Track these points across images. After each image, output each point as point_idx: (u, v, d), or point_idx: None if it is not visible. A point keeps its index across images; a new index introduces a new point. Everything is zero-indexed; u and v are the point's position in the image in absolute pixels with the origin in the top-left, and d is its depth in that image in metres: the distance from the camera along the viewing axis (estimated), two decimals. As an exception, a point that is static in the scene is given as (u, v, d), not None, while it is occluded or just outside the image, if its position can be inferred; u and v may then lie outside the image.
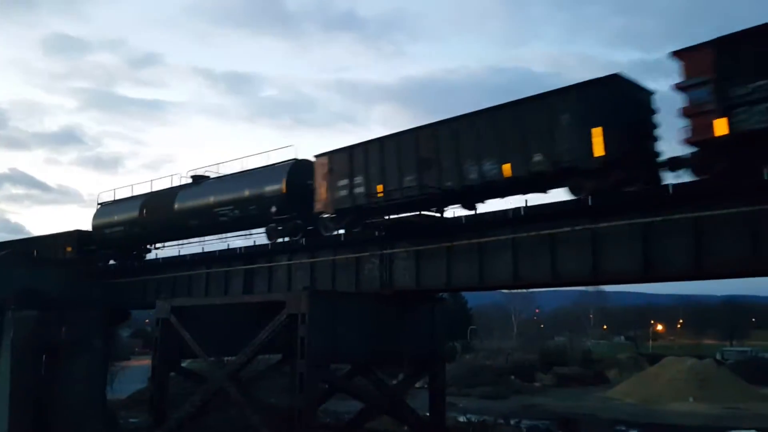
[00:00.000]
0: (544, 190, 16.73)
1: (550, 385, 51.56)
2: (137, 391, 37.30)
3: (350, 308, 18.69)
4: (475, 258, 17.50)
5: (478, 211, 18.06)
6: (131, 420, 31.27)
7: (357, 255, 20.15)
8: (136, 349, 71.66)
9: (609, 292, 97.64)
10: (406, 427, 23.33)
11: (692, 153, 13.70)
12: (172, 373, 23.42)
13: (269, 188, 22.53)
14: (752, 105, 12.40)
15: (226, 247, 25.21)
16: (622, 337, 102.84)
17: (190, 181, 27.44)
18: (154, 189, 28.92)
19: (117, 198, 30.70)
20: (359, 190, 19.19)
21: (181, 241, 27.67)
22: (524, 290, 73.27)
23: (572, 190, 15.48)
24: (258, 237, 23.90)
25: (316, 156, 20.91)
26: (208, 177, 26.82)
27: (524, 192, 16.91)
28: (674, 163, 14.34)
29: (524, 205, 16.61)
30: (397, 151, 18.50)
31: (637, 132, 14.98)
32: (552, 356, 59.22)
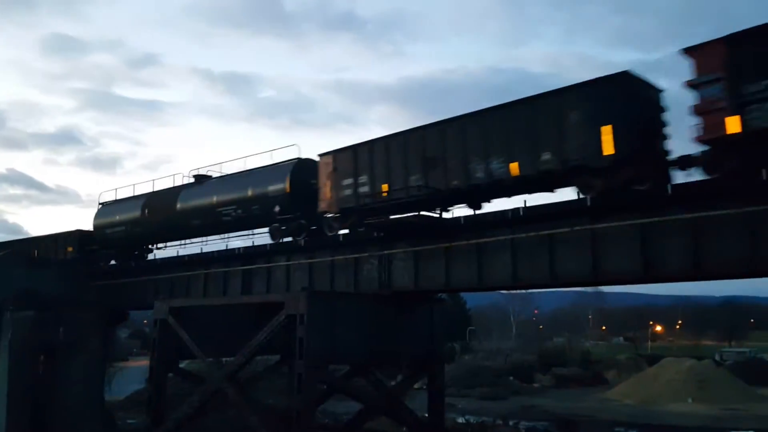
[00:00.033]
0: (551, 189, 16.56)
1: (548, 386, 51.54)
2: (135, 391, 37.21)
3: (349, 309, 18.66)
4: (474, 259, 17.47)
5: (483, 211, 17.97)
6: (129, 421, 31.17)
7: (356, 255, 20.11)
8: (134, 350, 71.60)
9: (608, 292, 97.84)
10: (404, 428, 23.27)
11: (702, 151, 13.56)
12: (170, 374, 23.37)
13: (272, 188, 22.39)
14: (765, 102, 12.25)
15: (224, 248, 25.20)
16: (621, 338, 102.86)
17: (192, 180, 27.31)
18: (156, 189, 28.82)
19: (118, 198, 30.59)
20: (364, 189, 19.07)
21: (182, 241, 27.55)
22: (523, 291, 73.29)
23: (581, 189, 15.32)
24: (261, 237, 23.81)
25: (320, 155, 20.78)
26: (210, 176, 26.68)
27: (532, 191, 16.77)
28: (684, 162, 14.20)
29: (523, 205, 16.62)
30: (402, 149, 18.36)
31: (647, 130, 14.83)
32: (551, 357, 59.23)
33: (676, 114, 15.08)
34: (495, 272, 17.24)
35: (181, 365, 25.17)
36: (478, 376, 49.80)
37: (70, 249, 31.06)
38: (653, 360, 54.95)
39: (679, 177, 14.52)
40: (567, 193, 16.50)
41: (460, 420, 33.50)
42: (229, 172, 25.77)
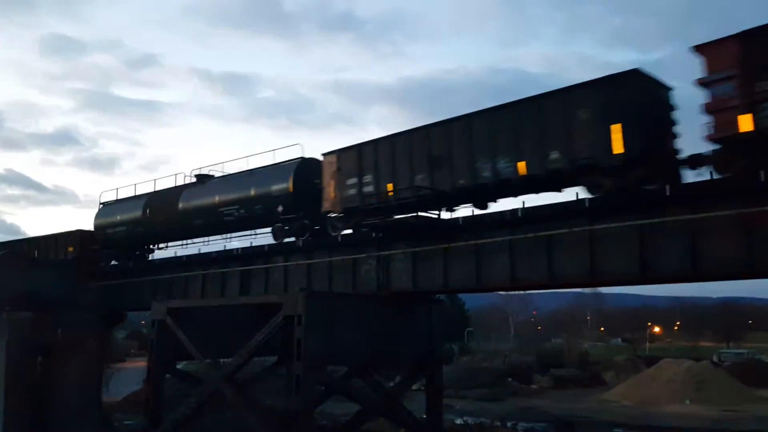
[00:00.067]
0: (559, 189, 16.35)
1: (547, 387, 51.53)
2: (132, 392, 37.12)
3: (347, 310, 18.62)
4: (473, 259, 17.45)
5: (489, 211, 17.84)
6: (126, 422, 31.11)
7: (354, 256, 20.09)
8: (132, 351, 71.45)
9: (606, 293, 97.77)
10: (402, 430, 23.26)
11: (713, 150, 13.43)
12: (168, 375, 23.30)
13: (276, 187, 22.28)
14: None
15: (222, 249, 25.16)
16: (619, 339, 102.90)
17: (194, 180, 27.15)
18: (158, 188, 28.68)
19: (119, 197, 30.45)
20: (369, 188, 18.94)
21: (184, 242, 27.42)
22: (521, 292, 73.28)
23: (589, 189, 15.16)
24: (264, 237, 23.71)
25: (324, 154, 20.64)
26: (212, 176, 26.53)
27: (539, 191, 16.63)
28: (695, 161, 14.05)
29: (521, 206, 16.61)
30: (408, 148, 18.21)
31: (657, 128, 14.67)
32: (549, 358, 59.18)
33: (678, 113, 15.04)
34: (493, 273, 17.22)
35: (179, 366, 25.12)
36: (477, 377, 49.78)
37: (70, 249, 30.91)
38: (651, 361, 54.95)
39: (690, 176, 14.39)
40: (569, 194, 16.47)
41: (459, 421, 33.48)
42: (232, 172, 25.62)
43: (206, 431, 23.29)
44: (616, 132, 14.24)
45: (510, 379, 51.78)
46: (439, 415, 21.79)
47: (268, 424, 18.87)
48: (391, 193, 18.25)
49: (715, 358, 61.07)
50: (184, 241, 27.41)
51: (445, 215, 18.54)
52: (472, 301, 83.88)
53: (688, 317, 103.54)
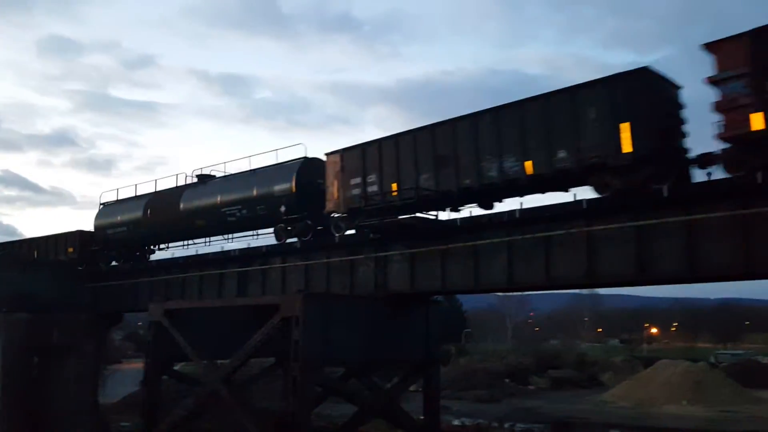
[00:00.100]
0: (566, 189, 16.09)
1: (544, 388, 51.49)
2: (129, 394, 37.01)
3: (344, 311, 18.59)
4: (470, 260, 17.42)
5: (487, 212, 17.71)
6: (123, 424, 31.00)
7: (352, 257, 20.04)
8: (129, 353, 71.20)
9: (603, 294, 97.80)
10: (400, 431, 23.21)
11: (723, 149, 13.27)
12: (165, 377, 23.24)
13: (278, 187, 22.06)
14: None
15: (220, 250, 25.09)
16: (617, 340, 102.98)
17: (195, 180, 26.90)
18: (158, 189, 28.41)
19: (120, 198, 30.20)
20: (373, 188, 18.74)
21: (185, 242, 27.15)
22: (519, 293, 73.36)
23: (597, 188, 15.00)
24: (266, 238, 23.46)
25: (328, 154, 20.46)
26: (213, 176, 26.31)
27: (546, 190, 16.45)
28: (705, 160, 13.90)
29: (519, 207, 16.57)
30: (412, 148, 18.01)
31: (666, 127, 14.49)
32: (546, 359, 59.17)
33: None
34: (491, 274, 17.18)
35: (176, 368, 25.02)
36: (474, 379, 49.74)
37: (70, 250, 30.76)
38: (649, 362, 54.96)
39: (699, 176, 14.24)
40: (567, 195, 16.41)
41: (456, 422, 33.45)
42: (233, 172, 25.35)
43: (203, 433, 23.27)
44: (625, 131, 14.07)
45: (507, 380, 51.75)
46: (437, 416, 21.77)
47: (264, 425, 18.81)
48: (395, 193, 18.08)
49: (712, 359, 61.10)
50: (185, 242, 27.15)
51: (443, 216, 18.55)
52: (469, 302, 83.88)
53: (685, 318, 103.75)
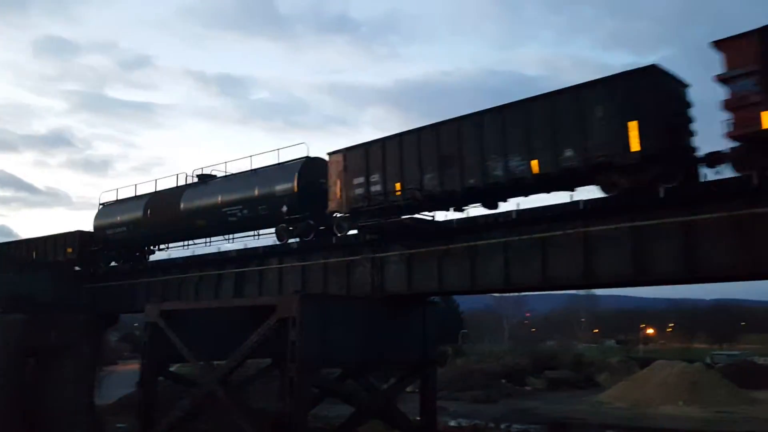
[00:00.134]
0: (572, 188, 16.00)
1: (541, 388, 51.51)
2: (125, 395, 36.92)
3: (341, 312, 18.57)
4: (467, 261, 17.42)
5: (493, 211, 17.62)
6: (119, 425, 30.91)
7: (349, 258, 20.02)
8: (125, 354, 71.00)
9: (600, 295, 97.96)
10: (397, 432, 23.18)
11: (732, 148, 13.19)
12: (161, 378, 23.17)
13: (280, 187, 21.95)
14: None
15: (217, 251, 25.05)
16: (613, 341, 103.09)
17: (195, 180, 26.73)
18: (159, 188, 28.27)
19: (120, 198, 30.05)
20: (376, 188, 18.64)
21: (185, 242, 26.99)
22: (516, 294, 73.45)
23: (604, 188, 14.90)
24: (267, 238, 23.31)
25: (330, 153, 20.36)
26: (214, 176, 26.14)
27: (552, 190, 16.35)
28: (713, 159, 13.81)
29: (516, 208, 16.58)
30: (416, 147, 17.90)
31: (674, 126, 14.38)
32: (543, 360, 59.22)
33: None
34: (488, 275, 17.19)
35: (172, 369, 24.96)
36: (471, 379, 49.73)
37: (69, 250, 30.60)
38: (645, 363, 55.02)
39: (708, 174, 14.12)
40: (564, 195, 16.42)
41: (453, 423, 33.44)
42: (234, 172, 25.19)
43: (200, 434, 23.21)
44: (633, 129, 13.97)
45: (504, 381, 51.76)
46: (434, 416, 21.74)
47: (261, 426, 18.78)
48: (399, 193, 17.96)
49: (708, 360, 61.20)
50: (186, 242, 26.99)
51: (446, 216, 18.54)
52: (466, 303, 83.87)
53: (681, 319, 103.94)
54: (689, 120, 14.78)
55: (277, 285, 22.06)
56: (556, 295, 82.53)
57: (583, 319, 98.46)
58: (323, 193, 20.19)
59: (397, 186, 18.04)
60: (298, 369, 17.13)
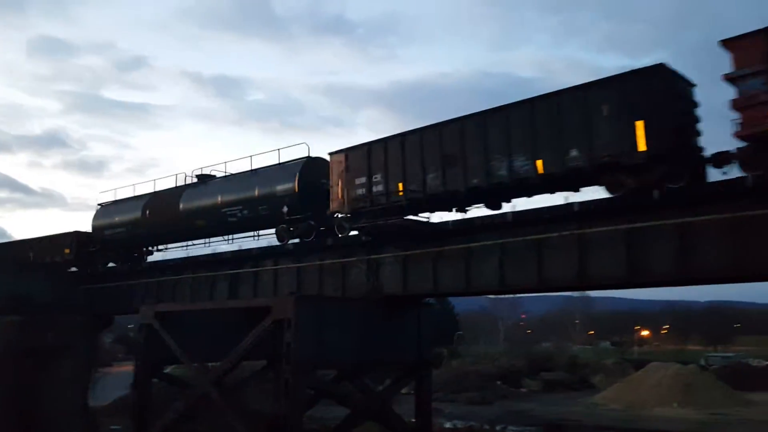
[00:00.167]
0: (577, 189, 15.90)
1: (536, 390, 51.60)
2: (119, 397, 36.81)
3: (336, 313, 18.55)
4: (462, 263, 17.43)
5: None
6: (113, 427, 30.80)
7: (344, 260, 20.01)
8: (119, 355, 70.76)
9: (594, 297, 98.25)
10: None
11: (739, 148, 13.10)
12: (156, 380, 23.10)
13: (281, 187, 21.75)
14: None
15: (211, 252, 25.02)
16: (608, 343, 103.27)
17: (195, 180, 26.52)
18: (157, 189, 28.08)
19: (118, 198, 29.85)
20: (378, 188, 18.49)
21: (184, 243, 26.81)
22: (511, 295, 73.53)
23: (610, 188, 14.77)
24: (267, 238, 23.19)
25: (332, 153, 20.22)
26: (214, 176, 25.95)
27: (556, 190, 16.22)
28: (720, 159, 13.71)
29: (511, 210, 16.60)
30: (419, 147, 17.74)
31: (681, 126, 14.22)
32: (538, 362, 59.31)
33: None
34: (483, 277, 17.20)
35: (167, 370, 24.88)
36: (466, 381, 49.78)
37: (67, 251, 30.39)
38: (639, 364, 55.18)
39: (715, 175, 14.04)
40: (560, 197, 16.44)
41: (448, 425, 33.46)
42: (234, 172, 24.99)
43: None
44: (640, 129, 13.85)
45: (499, 383, 51.80)
46: (429, 418, 21.73)
47: (256, 428, 18.74)
48: (401, 193, 17.85)
49: (702, 362, 61.37)
50: (185, 243, 26.79)
51: (441, 218, 18.54)
52: (461, 304, 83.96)
53: (675, 321, 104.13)
54: (696, 120, 14.67)
55: (272, 286, 22.04)
56: (551, 297, 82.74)
57: (577, 321, 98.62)
58: (324, 194, 20.03)
59: (400, 186, 17.89)
60: (293, 370, 17.09)
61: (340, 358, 18.90)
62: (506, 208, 17.21)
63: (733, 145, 13.37)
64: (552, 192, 16.28)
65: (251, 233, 24.00)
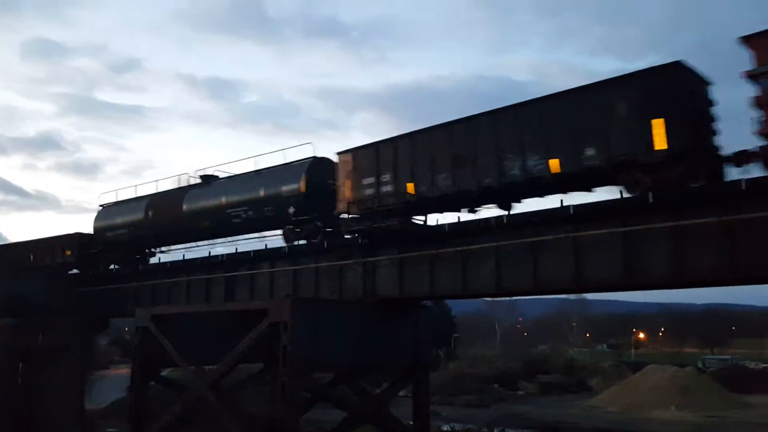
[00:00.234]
0: (590, 188, 15.65)
1: (533, 393, 51.65)
2: (116, 400, 36.73)
3: (333, 316, 18.52)
4: (459, 266, 17.41)
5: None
6: (109, 430, 30.75)
7: (340, 263, 19.98)
8: (115, 358, 70.65)
9: (591, 300, 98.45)
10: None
11: (762, 146, 12.95)
12: (152, 383, 23.03)
13: (287, 188, 21.47)
14: None
15: (207, 255, 24.94)
16: (605, 345, 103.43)
17: (198, 180, 26.22)
18: (160, 189, 27.82)
19: (120, 199, 29.59)
20: (387, 188, 18.19)
21: (187, 245, 26.52)
22: (507, 298, 73.50)
23: (627, 187, 14.53)
24: (272, 240, 22.95)
25: (339, 153, 19.97)
26: (217, 177, 25.66)
27: (570, 190, 15.93)
28: (741, 158, 13.52)
29: (507, 213, 16.57)
30: (429, 146, 17.48)
31: (699, 124, 13.96)
32: (535, 364, 59.37)
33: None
34: (479, 279, 17.18)
35: (163, 373, 24.80)
36: (463, 384, 49.77)
37: (68, 253, 30.22)
38: (636, 367, 55.26)
39: (735, 173, 13.80)
40: (555, 200, 16.43)
41: (445, 428, 33.49)
42: (239, 173, 24.71)
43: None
44: (658, 127, 13.64)
45: (496, 386, 51.85)
46: (426, 421, 21.69)
47: (252, 431, 18.68)
48: (411, 193, 17.56)
49: (699, 364, 61.48)
50: (187, 244, 26.49)
51: (432, 221, 18.51)
52: (458, 307, 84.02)
53: (672, 323, 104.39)
54: (712, 118, 14.47)
55: (268, 289, 22.00)
56: (547, 300, 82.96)
57: (574, 324, 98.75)
58: (331, 194, 19.73)
59: (409, 186, 17.66)
60: (289, 373, 17.05)
61: (337, 360, 18.86)
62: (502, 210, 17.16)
63: (735, 145, 13.44)
64: (565, 192, 16.03)
65: (256, 234, 23.72)
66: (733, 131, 14.50)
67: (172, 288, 25.75)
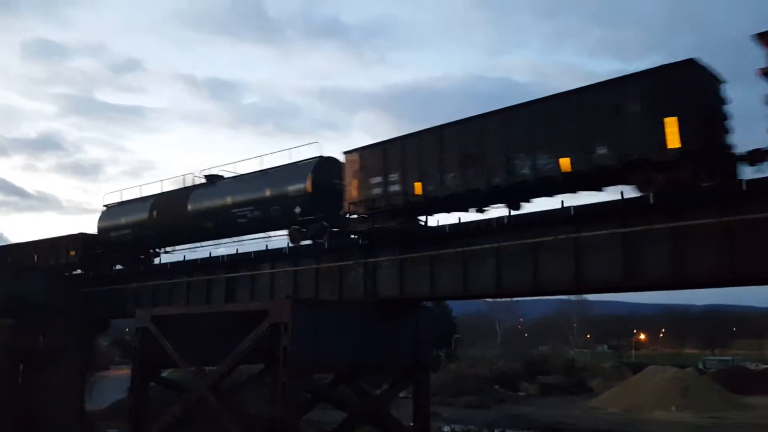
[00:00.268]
0: (601, 188, 15.50)
1: (534, 394, 51.59)
2: (116, 401, 36.73)
3: (333, 317, 18.52)
4: (459, 267, 17.41)
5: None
6: (110, 430, 30.76)
7: (341, 263, 19.98)
8: (116, 359, 70.62)
9: (592, 301, 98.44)
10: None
11: None
12: (153, 383, 23.03)
13: (293, 187, 21.40)
14: None
15: (208, 255, 24.95)
16: (605, 346, 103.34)
17: (203, 180, 26.17)
18: (165, 189, 27.80)
19: (124, 199, 29.55)
20: (394, 188, 18.07)
21: (192, 245, 26.47)
22: (508, 299, 73.50)
23: (639, 186, 14.43)
24: (278, 240, 22.88)
25: (346, 152, 19.89)
26: (222, 177, 25.63)
27: (580, 189, 15.85)
28: (756, 156, 13.37)
29: (507, 213, 16.56)
30: (438, 146, 17.38)
31: (712, 122, 13.81)
32: (536, 365, 59.34)
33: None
34: (479, 280, 17.18)
35: (164, 374, 24.82)
36: (464, 385, 49.72)
37: (72, 253, 30.20)
38: (637, 368, 55.22)
39: (749, 172, 13.61)
40: (556, 201, 16.44)
41: (446, 429, 33.48)
42: (245, 172, 24.61)
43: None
44: (671, 125, 13.52)
45: (497, 387, 51.80)
46: (427, 422, 21.69)
47: (253, 432, 18.70)
48: (419, 193, 17.50)
49: (700, 366, 61.43)
50: (191, 245, 26.46)
51: (433, 222, 18.52)
52: (459, 307, 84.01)
53: (673, 324, 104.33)
54: (725, 116, 14.34)
55: (269, 290, 22.00)
56: (548, 300, 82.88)
57: (575, 325, 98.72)
58: (338, 194, 19.65)
59: (417, 185, 17.55)
60: (289, 374, 17.06)
61: (337, 361, 18.86)
62: (500, 211, 17.15)
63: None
64: (574, 191, 15.96)
65: (262, 234, 23.64)
66: (738, 130, 14.44)
67: (173, 289, 25.77)
